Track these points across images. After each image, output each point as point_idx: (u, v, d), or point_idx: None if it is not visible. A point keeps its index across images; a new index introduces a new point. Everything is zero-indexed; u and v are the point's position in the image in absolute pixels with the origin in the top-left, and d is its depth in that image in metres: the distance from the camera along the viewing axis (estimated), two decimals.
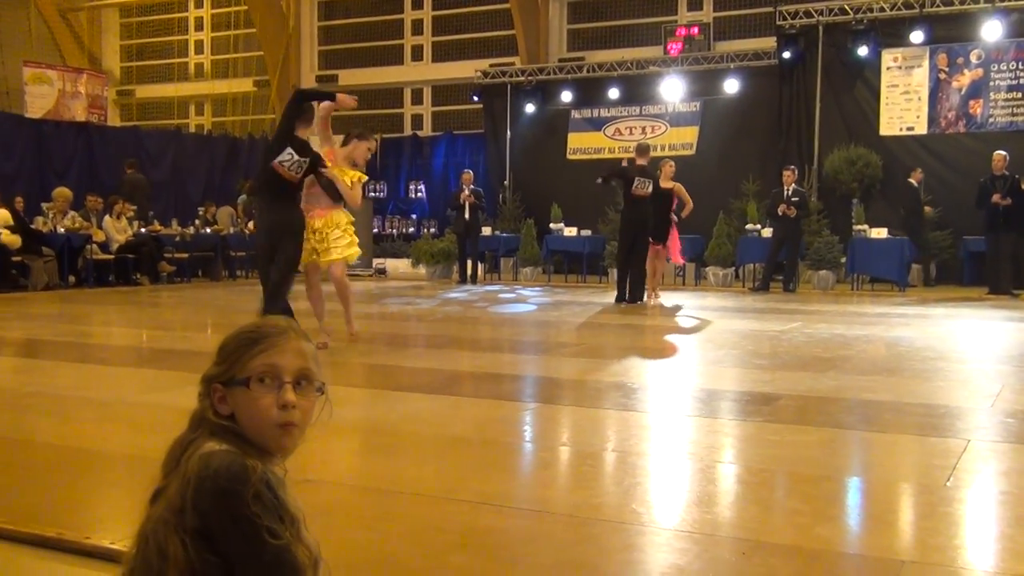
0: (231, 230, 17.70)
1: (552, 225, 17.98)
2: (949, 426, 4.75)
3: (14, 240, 13.45)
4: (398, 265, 19.33)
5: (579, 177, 18.66)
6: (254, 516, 1.56)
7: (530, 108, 19.82)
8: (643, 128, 18.90)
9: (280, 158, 7.15)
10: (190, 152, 20.69)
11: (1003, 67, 15.69)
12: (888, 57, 16.47)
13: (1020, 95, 15.59)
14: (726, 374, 6.54)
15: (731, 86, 17.85)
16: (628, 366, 7.01)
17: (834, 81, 16.91)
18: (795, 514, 3.28)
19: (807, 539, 2.98)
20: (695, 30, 19.16)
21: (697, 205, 13.47)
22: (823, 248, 15.28)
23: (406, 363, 7.13)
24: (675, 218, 13.06)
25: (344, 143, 7.74)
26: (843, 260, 15.13)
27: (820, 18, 16.78)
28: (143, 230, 15.95)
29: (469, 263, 16.97)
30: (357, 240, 7.70)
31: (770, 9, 17.55)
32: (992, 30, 15.45)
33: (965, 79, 15.93)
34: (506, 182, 20.00)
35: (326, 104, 7.57)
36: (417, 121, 23.39)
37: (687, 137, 18.51)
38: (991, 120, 15.77)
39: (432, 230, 20.85)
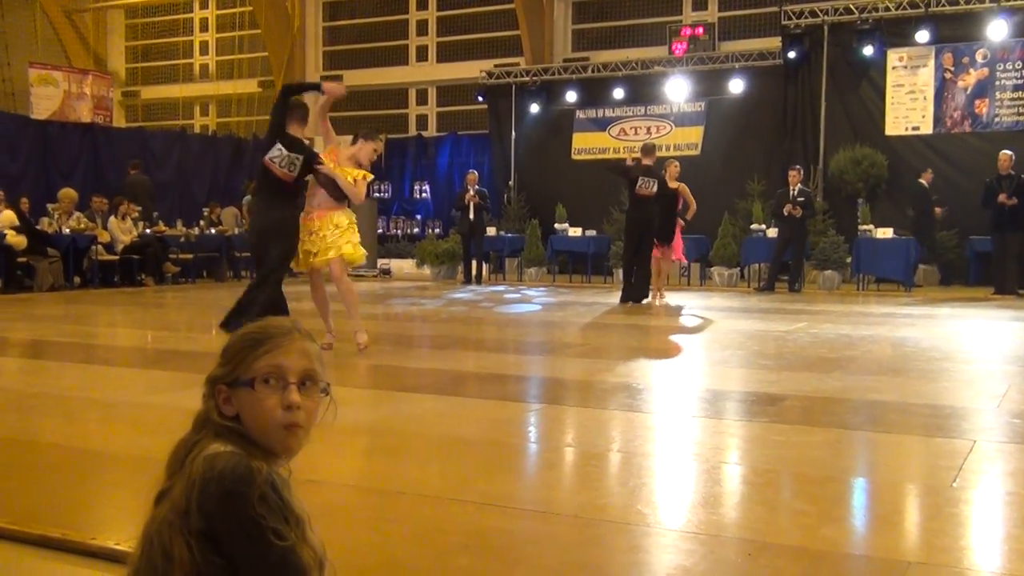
0: (236, 231, 17.71)
1: (557, 225, 17.96)
2: (955, 427, 4.74)
3: (19, 241, 13.47)
4: (402, 266, 19.33)
5: (584, 177, 18.69)
6: (259, 518, 1.56)
7: (535, 108, 19.80)
8: (648, 128, 18.89)
9: (270, 154, 7.06)
10: (195, 153, 20.69)
11: (1009, 66, 15.66)
12: (893, 57, 16.43)
13: None
14: (731, 375, 6.53)
15: (736, 86, 17.83)
16: (633, 367, 6.99)
17: (839, 81, 16.87)
18: (801, 515, 3.28)
19: (813, 540, 2.97)
20: (700, 30, 19.13)
21: (702, 205, 13.46)
22: (828, 248, 15.25)
23: (411, 364, 7.13)
24: (682, 222, 13.07)
25: (352, 144, 7.66)
26: (848, 260, 15.10)
27: (825, 18, 16.74)
28: (148, 231, 15.96)
29: (474, 264, 16.96)
30: (357, 240, 7.41)
31: (775, 9, 17.54)
32: (998, 29, 15.41)
33: (971, 79, 15.90)
34: (511, 182, 19.99)
35: (322, 101, 7.48)
36: (422, 121, 23.39)
37: (692, 137, 18.49)
38: (997, 120, 15.73)
39: (437, 231, 20.82)
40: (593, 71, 19.34)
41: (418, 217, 22.08)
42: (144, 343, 8.85)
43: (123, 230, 15.27)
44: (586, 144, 19.47)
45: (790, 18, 16.96)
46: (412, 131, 23.22)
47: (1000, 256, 13.84)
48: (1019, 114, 15.60)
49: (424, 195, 22.28)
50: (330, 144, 7.51)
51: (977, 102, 15.86)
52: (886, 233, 14.60)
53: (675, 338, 9.10)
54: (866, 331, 9.08)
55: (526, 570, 2.81)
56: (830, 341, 8.22)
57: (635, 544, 3.00)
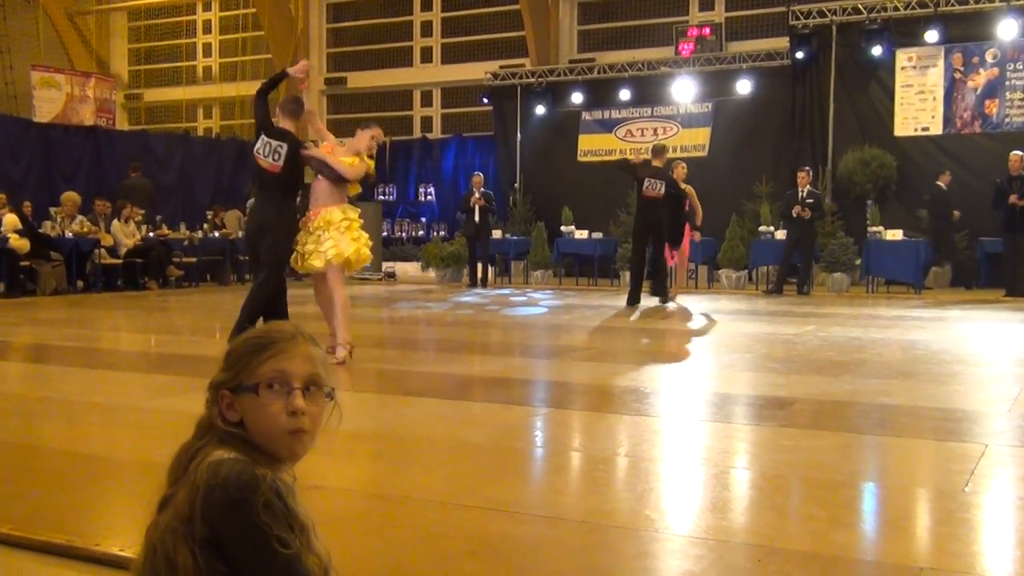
0: (239, 234, 17.70)
1: (563, 228, 17.94)
2: (967, 430, 4.70)
3: (22, 245, 13.45)
4: (408, 269, 19.33)
5: (590, 179, 18.68)
6: (264, 526, 1.55)
7: (540, 110, 19.78)
8: (654, 130, 18.86)
9: (255, 148, 6.99)
10: (198, 156, 20.72)
11: (1019, 66, 15.60)
12: (902, 57, 16.38)
13: None
14: (740, 378, 6.50)
15: (743, 87, 17.80)
16: (640, 370, 6.96)
17: (848, 81, 16.83)
18: (811, 520, 3.25)
19: (823, 545, 2.95)
20: (707, 30, 19.11)
21: (710, 207, 13.43)
22: (837, 250, 15.20)
23: (416, 368, 7.11)
24: (697, 234, 13.06)
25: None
26: (858, 262, 15.05)
27: (833, 18, 16.70)
28: (151, 234, 15.95)
29: (479, 266, 16.94)
30: (361, 239, 6.98)
31: (783, 9, 17.48)
32: (1008, 29, 15.35)
33: (981, 79, 15.84)
34: (516, 184, 19.97)
35: (307, 107, 7.30)
36: (427, 123, 23.39)
37: (699, 138, 18.46)
38: (1007, 120, 15.67)
39: (442, 233, 20.81)
40: (599, 72, 19.32)
41: (423, 220, 22.08)
42: (147, 347, 8.85)
43: (126, 233, 15.27)
44: (592, 146, 19.44)
45: (798, 18, 16.92)
46: (417, 133, 23.23)
47: (1011, 258, 13.78)
48: None
49: (429, 197, 22.28)
50: (325, 142, 7.39)
51: (987, 102, 15.80)
52: (895, 235, 14.56)
53: (682, 341, 9.06)
54: (876, 334, 9.04)
55: None
56: (839, 344, 8.18)
57: (643, 550, 2.98)
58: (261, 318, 6.84)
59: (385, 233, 21.25)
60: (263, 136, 6.94)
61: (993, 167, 14.48)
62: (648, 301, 12.41)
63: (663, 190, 12.03)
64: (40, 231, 14.22)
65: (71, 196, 15.07)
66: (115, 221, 15.27)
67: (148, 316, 11.78)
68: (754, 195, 16.91)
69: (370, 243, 7.17)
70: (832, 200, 16.40)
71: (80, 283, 14.66)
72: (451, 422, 5.01)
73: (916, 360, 7.27)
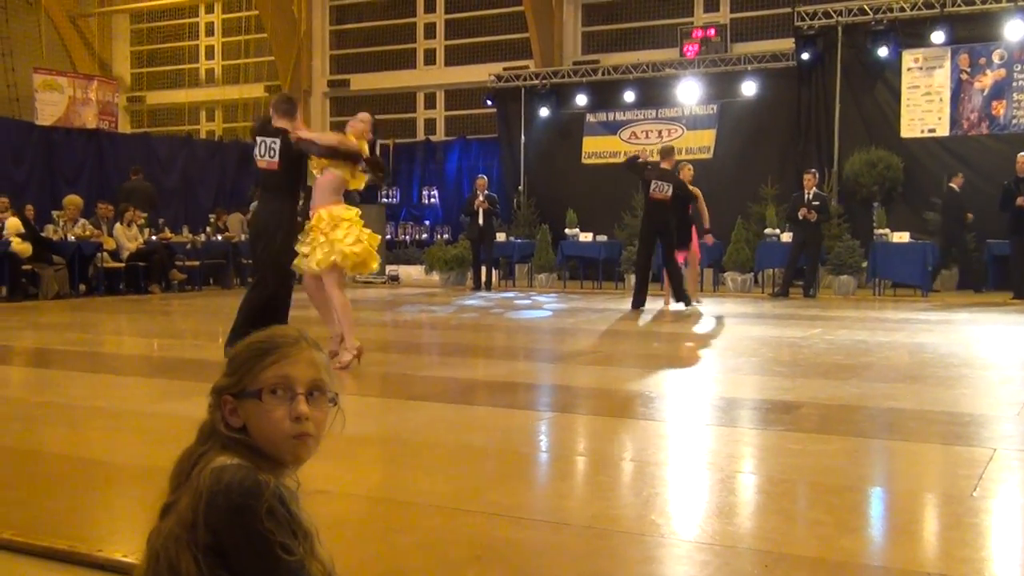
0: (242, 237, 17.68)
1: (567, 230, 17.88)
2: (974, 435, 4.67)
3: (25, 248, 13.43)
4: (411, 272, 19.33)
5: (594, 181, 18.65)
6: (267, 532, 1.55)
7: (544, 112, 19.76)
8: (659, 131, 18.84)
9: (254, 151, 7.00)
10: (201, 159, 20.72)
11: None
12: (909, 58, 16.33)
13: None
14: (746, 382, 6.48)
15: (749, 88, 17.77)
16: (646, 374, 6.93)
17: (854, 82, 16.78)
18: (818, 525, 3.22)
19: (830, 551, 2.93)
20: (712, 32, 19.11)
21: (715, 209, 13.39)
22: (844, 252, 15.13)
23: (420, 372, 7.09)
24: (711, 238, 13.05)
25: None
26: (864, 265, 14.99)
27: (839, 19, 16.66)
28: (154, 238, 15.95)
29: (483, 269, 16.90)
30: (354, 236, 6.72)
31: (788, 10, 17.48)
32: (1015, 30, 15.31)
33: (987, 80, 15.79)
34: (520, 187, 19.95)
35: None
36: (430, 126, 23.40)
37: (704, 140, 18.43)
38: (1015, 121, 15.62)
39: (446, 236, 20.80)
40: (603, 74, 19.30)
41: (427, 223, 22.09)
42: (150, 351, 8.83)
43: (129, 237, 15.26)
44: (597, 148, 19.42)
45: (803, 19, 16.88)
46: (420, 135, 23.25)
47: (1019, 260, 13.74)
48: None
49: (433, 200, 22.28)
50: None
51: (994, 103, 15.76)
52: (903, 237, 14.52)
53: (688, 345, 9.05)
54: (883, 337, 9.00)
55: None
56: (846, 347, 8.15)
57: (648, 555, 2.96)
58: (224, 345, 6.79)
59: (389, 236, 21.26)
60: (259, 138, 6.96)
61: (1000, 169, 14.44)
62: (653, 304, 12.36)
63: (671, 192, 11.91)
64: (42, 235, 14.22)
65: (73, 199, 15.08)
66: (117, 224, 15.27)
67: (151, 320, 11.77)
68: (760, 197, 16.86)
69: (363, 242, 6.81)
70: (838, 202, 16.35)
71: (82, 287, 14.63)
72: (455, 426, 4.99)
73: (923, 364, 7.24)
